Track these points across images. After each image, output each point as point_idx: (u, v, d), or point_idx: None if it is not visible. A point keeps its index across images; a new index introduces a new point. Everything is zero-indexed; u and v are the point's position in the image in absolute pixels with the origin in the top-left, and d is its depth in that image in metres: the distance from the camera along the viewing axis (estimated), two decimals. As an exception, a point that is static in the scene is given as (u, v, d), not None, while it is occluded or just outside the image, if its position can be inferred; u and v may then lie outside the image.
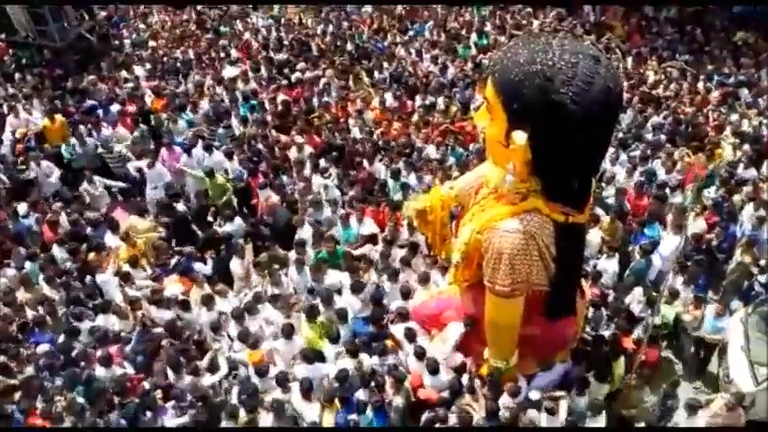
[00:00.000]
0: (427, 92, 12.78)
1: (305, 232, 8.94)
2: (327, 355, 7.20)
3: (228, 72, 13.70)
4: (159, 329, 7.63)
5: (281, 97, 12.49)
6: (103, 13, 16.78)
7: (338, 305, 7.54)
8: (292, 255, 8.52)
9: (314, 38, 15.79)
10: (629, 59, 14.54)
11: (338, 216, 9.26)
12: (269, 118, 12.07)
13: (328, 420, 6.51)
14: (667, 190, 9.50)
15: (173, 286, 8.30)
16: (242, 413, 6.48)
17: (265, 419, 6.51)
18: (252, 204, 10.25)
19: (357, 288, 7.67)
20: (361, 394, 6.55)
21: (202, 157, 10.64)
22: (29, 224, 9.54)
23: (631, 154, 10.42)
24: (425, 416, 6.29)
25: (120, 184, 11.15)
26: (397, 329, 7.05)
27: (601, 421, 6.31)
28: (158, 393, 6.94)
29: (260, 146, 11.09)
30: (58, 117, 11.70)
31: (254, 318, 7.63)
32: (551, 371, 6.36)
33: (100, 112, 12.21)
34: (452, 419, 6.14)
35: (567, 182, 4.05)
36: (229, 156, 10.61)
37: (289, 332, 7.19)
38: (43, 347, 7.39)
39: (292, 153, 10.82)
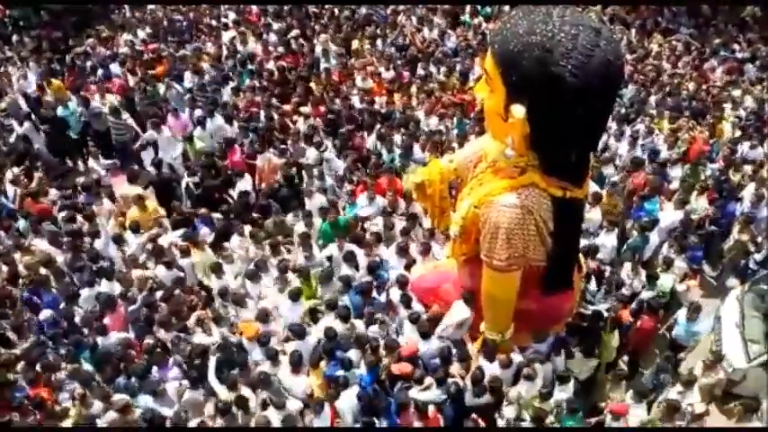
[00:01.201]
0: (429, 61, 12.66)
1: (313, 202, 8.93)
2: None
3: (227, 35, 13.61)
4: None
5: (278, 63, 12.37)
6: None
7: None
8: (298, 226, 8.55)
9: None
10: (633, 31, 14.37)
11: (343, 191, 9.26)
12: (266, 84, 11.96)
13: (315, 383, 6.56)
14: (669, 165, 9.49)
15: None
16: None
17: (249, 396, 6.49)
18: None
19: (349, 258, 7.69)
20: (353, 354, 6.58)
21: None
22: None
23: (634, 128, 10.35)
24: (398, 387, 6.34)
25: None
26: (394, 295, 7.10)
27: (568, 391, 6.45)
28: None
29: (262, 114, 10.99)
30: (55, 81, 11.59)
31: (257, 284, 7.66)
32: (542, 343, 6.44)
33: (100, 72, 12.10)
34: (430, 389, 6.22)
35: (566, 156, 3.99)
36: (229, 120, 10.55)
37: (295, 295, 7.23)
38: (45, 313, 7.31)
39: (299, 123, 10.78)
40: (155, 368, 6.60)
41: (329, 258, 7.99)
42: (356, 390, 6.24)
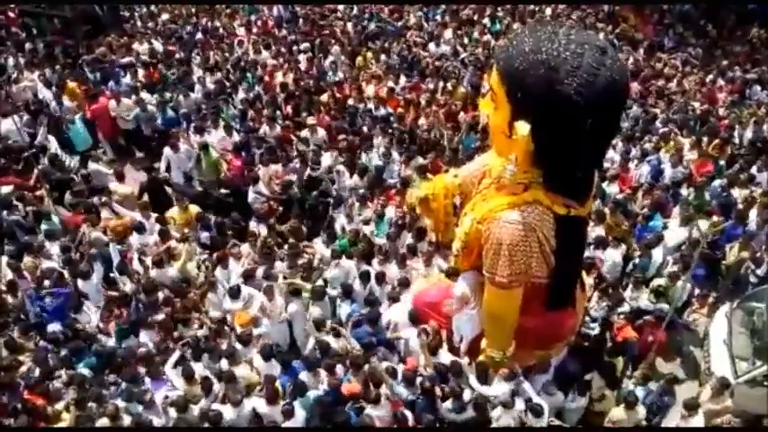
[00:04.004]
0: (439, 75, 12.73)
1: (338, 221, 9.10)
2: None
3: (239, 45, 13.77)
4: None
5: (289, 77, 12.46)
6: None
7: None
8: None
9: (328, 17, 15.72)
10: (641, 50, 14.42)
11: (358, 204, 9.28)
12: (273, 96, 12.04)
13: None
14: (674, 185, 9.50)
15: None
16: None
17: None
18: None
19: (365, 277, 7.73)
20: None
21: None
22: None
23: (643, 147, 10.35)
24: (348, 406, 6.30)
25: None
26: (398, 311, 7.05)
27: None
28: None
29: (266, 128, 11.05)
30: (71, 83, 11.71)
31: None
32: (547, 372, 6.37)
33: (111, 83, 12.20)
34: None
35: (569, 174, 4.00)
36: (229, 131, 10.66)
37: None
38: (54, 327, 7.37)
39: (303, 134, 10.83)
40: (147, 379, 6.63)
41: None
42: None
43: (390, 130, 10.73)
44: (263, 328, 7.39)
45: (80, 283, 7.83)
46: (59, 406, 6.42)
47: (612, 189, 9.45)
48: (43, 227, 8.76)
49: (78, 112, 11.23)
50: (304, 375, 6.51)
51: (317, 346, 6.82)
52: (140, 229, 8.60)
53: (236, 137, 10.65)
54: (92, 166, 10.35)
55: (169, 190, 10.23)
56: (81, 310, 7.61)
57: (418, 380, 6.28)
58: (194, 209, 9.08)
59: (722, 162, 10.11)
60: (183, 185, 10.01)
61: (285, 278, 7.83)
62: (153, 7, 16.66)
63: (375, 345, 6.84)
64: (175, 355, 6.87)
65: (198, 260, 8.40)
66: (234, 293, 7.51)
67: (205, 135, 10.49)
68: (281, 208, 9.59)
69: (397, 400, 6.20)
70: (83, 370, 6.77)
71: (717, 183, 9.44)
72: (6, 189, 9.35)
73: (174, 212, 8.99)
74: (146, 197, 9.67)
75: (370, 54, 13.66)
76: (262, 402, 6.34)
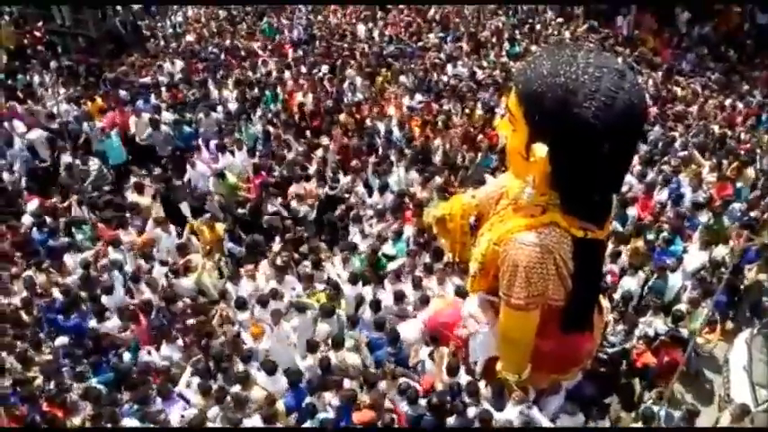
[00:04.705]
0: (455, 95, 12.79)
1: (355, 236, 9.17)
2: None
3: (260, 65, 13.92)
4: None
5: (308, 97, 12.59)
6: (138, 5, 17.05)
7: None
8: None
9: (346, 37, 15.90)
10: (660, 74, 14.40)
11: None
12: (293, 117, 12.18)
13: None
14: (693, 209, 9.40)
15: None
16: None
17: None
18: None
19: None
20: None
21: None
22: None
23: (660, 173, 10.29)
24: None
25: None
26: (410, 329, 7.05)
27: None
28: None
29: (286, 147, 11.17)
30: (98, 100, 11.97)
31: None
32: (558, 394, 6.31)
33: (140, 102, 12.41)
34: None
35: (587, 197, 3.97)
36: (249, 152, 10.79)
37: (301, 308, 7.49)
38: (62, 340, 7.47)
39: (320, 153, 10.91)
40: (159, 399, 6.66)
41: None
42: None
43: (408, 151, 10.79)
44: (267, 343, 7.39)
45: (104, 298, 7.92)
46: (77, 420, 6.46)
47: (631, 212, 9.40)
48: (78, 236, 8.99)
49: (109, 128, 11.43)
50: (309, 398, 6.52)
51: (318, 364, 6.80)
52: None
53: (256, 158, 10.78)
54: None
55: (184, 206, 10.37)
56: (104, 319, 7.68)
57: (427, 399, 6.27)
58: (221, 227, 9.17)
59: (740, 184, 10.03)
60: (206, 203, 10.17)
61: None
62: (177, 28, 16.99)
63: (393, 363, 6.85)
64: (187, 373, 6.89)
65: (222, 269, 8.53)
66: (240, 305, 7.61)
67: (227, 154, 10.63)
68: (298, 226, 9.68)
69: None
70: (98, 385, 6.82)
71: (737, 206, 9.35)
72: (33, 206, 9.50)
73: (202, 227, 9.10)
74: (161, 210, 9.91)
75: (387, 74, 13.79)
76: (258, 421, 6.32)
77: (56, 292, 8.00)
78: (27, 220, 9.41)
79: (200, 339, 7.36)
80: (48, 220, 9.27)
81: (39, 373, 7.00)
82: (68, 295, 7.85)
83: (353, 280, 8.08)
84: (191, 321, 7.61)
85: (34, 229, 9.17)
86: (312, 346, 7.06)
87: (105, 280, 8.15)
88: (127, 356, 7.39)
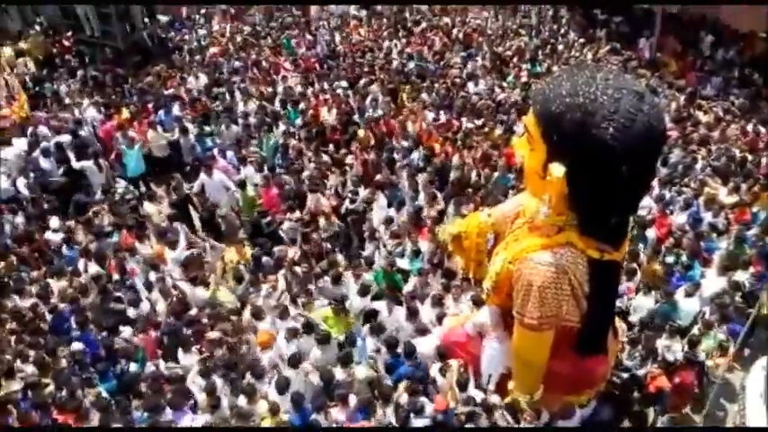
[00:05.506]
0: (474, 112, 12.83)
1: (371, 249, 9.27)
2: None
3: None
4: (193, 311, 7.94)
5: (332, 112, 12.70)
6: (165, 18, 17.34)
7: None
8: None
9: (368, 53, 16.03)
10: (682, 98, 14.32)
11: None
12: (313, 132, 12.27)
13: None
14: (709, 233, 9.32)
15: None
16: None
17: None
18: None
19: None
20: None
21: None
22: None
23: (678, 196, 10.21)
24: None
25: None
26: (425, 345, 7.03)
27: None
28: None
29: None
30: (125, 111, 12.18)
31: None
32: (572, 420, 6.23)
33: (161, 113, 12.58)
34: None
35: (604, 218, 3.95)
36: (260, 167, 10.91)
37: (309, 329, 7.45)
38: (77, 346, 7.53)
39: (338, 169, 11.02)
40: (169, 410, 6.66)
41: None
42: None
43: (428, 168, 10.84)
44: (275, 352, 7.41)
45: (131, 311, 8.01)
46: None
47: (650, 234, 9.33)
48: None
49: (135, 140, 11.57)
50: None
51: (321, 379, 6.83)
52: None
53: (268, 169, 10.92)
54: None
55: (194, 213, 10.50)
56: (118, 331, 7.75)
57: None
58: (248, 251, 9.27)
59: (756, 209, 9.92)
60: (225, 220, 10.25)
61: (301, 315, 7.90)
62: (202, 41, 17.25)
63: (410, 377, 6.84)
64: (195, 371, 6.99)
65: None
66: (256, 314, 7.72)
67: (248, 165, 10.75)
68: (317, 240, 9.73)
69: None
70: (102, 390, 6.87)
71: (752, 232, 9.25)
72: (55, 223, 9.67)
73: (231, 254, 9.15)
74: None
75: (408, 90, 13.87)
76: None
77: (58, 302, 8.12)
78: (55, 237, 9.52)
79: (217, 348, 7.39)
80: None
81: (51, 379, 7.04)
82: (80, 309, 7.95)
83: (363, 292, 8.07)
84: (212, 335, 7.59)
85: (64, 246, 9.29)
86: (294, 362, 7.04)
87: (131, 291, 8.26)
88: (134, 367, 7.41)
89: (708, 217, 9.63)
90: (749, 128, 12.94)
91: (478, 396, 6.38)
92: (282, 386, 6.72)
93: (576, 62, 15.06)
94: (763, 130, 12.89)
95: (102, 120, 12.20)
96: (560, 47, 16.95)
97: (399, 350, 7.20)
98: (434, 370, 6.89)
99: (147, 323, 7.84)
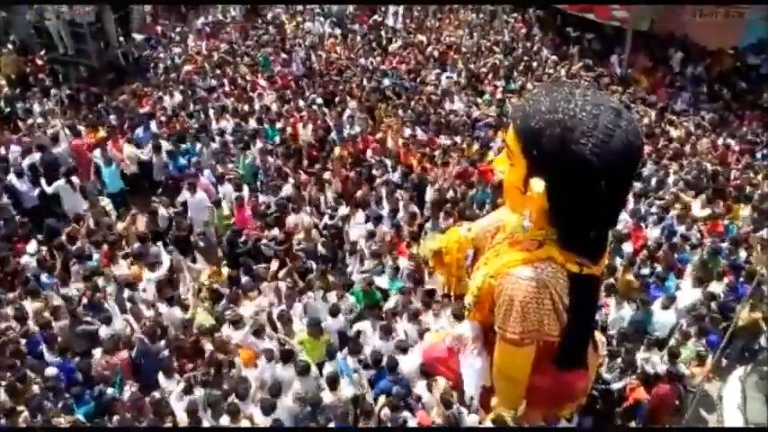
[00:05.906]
0: (450, 129, 12.93)
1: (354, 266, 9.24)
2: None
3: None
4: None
5: (308, 128, 12.69)
6: (140, 37, 17.25)
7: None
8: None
9: (346, 71, 16.10)
10: (653, 113, 14.60)
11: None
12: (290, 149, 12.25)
13: None
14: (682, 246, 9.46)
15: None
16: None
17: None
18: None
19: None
20: None
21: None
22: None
23: (651, 209, 10.38)
24: None
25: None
26: (408, 362, 7.01)
27: None
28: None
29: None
30: (101, 131, 12.05)
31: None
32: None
33: (139, 130, 12.45)
34: None
35: (584, 233, 4.00)
36: (238, 186, 10.80)
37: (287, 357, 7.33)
38: (51, 371, 7.38)
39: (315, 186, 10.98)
40: None
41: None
42: None
43: (405, 185, 10.87)
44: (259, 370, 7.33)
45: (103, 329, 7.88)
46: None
47: (627, 248, 9.45)
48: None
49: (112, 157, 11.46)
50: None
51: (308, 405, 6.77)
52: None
53: (246, 190, 10.85)
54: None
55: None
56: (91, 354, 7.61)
57: None
58: (226, 271, 9.15)
59: (726, 222, 10.12)
60: (203, 238, 10.16)
61: (280, 341, 7.84)
62: (177, 59, 17.18)
63: (389, 393, 6.80)
64: (179, 388, 6.85)
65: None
66: (235, 323, 7.77)
67: (226, 183, 10.69)
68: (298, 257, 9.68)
69: None
70: (79, 416, 6.72)
71: (725, 245, 9.42)
72: (32, 248, 9.45)
73: (205, 276, 9.05)
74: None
75: (384, 107, 13.95)
76: None
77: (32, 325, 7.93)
78: (29, 261, 9.33)
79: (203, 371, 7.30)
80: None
81: (24, 406, 6.87)
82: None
83: (334, 312, 8.06)
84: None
85: (43, 275, 9.09)
86: (275, 392, 6.99)
87: (105, 310, 8.09)
88: (110, 391, 7.27)
89: (681, 229, 9.79)
90: (719, 142, 13.23)
91: (464, 412, 6.38)
92: (267, 409, 6.62)
93: (551, 79, 15.29)
94: (732, 143, 13.19)
95: (75, 135, 12.03)
96: (534, 64, 17.19)
97: (383, 364, 7.17)
98: (420, 387, 6.87)
99: (120, 344, 7.67)
